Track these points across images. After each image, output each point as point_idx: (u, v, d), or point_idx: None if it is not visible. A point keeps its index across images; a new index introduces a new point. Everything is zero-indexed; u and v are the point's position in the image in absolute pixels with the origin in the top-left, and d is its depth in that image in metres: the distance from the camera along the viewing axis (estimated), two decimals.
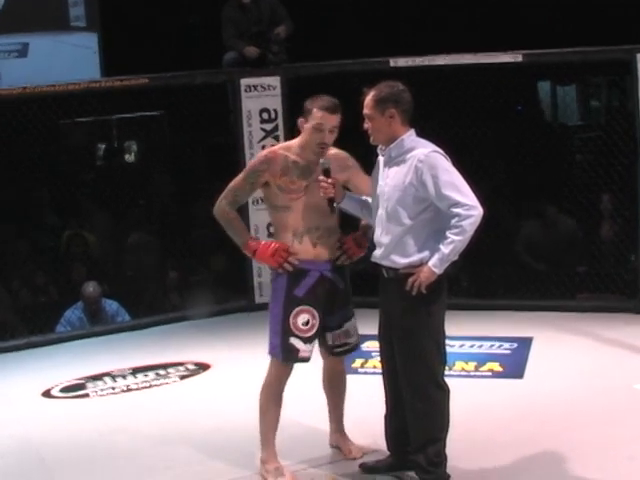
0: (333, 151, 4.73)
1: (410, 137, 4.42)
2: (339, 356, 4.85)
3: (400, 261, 4.38)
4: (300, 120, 4.67)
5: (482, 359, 6.44)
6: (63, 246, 9.26)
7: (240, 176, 4.78)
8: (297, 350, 4.63)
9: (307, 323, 4.63)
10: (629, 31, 8.15)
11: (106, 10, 10.91)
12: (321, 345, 4.80)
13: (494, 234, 7.97)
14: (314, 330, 4.65)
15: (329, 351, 4.81)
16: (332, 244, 4.70)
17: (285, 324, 4.62)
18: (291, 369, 4.72)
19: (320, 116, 4.57)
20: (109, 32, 10.89)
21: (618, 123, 7.71)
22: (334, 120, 4.59)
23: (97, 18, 10.96)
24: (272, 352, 4.70)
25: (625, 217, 7.82)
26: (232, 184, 4.78)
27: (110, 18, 10.86)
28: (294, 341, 4.62)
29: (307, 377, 4.93)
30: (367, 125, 4.44)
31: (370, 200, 4.59)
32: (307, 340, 4.64)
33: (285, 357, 4.66)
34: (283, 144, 4.83)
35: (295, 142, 4.74)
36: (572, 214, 8.46)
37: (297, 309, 4.62)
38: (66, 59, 10.54)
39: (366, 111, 4.44)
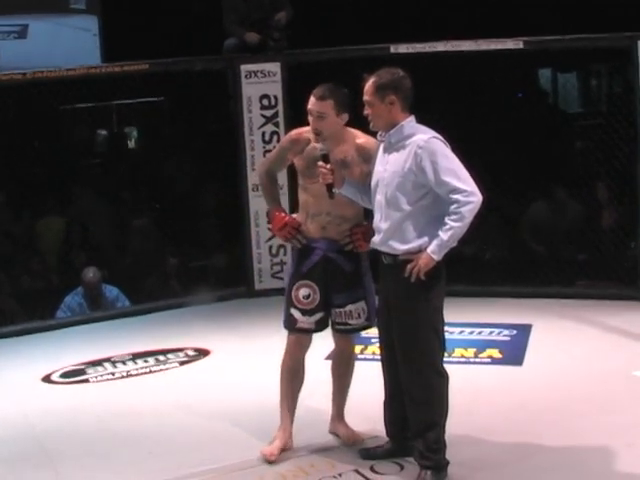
0: (361, 140, 4.74)
1: (410, 123, 4.42)
2: (339, 333, 4.91)
3: (399, 247, 4.38)
4: None
5: (481, 346, 6.45)
6: (62, 232, 9.26)
7: (275, 148, 5.25)
8: (295, 320, 4.82)
9: (308, 297, 4.81)
10: (630, 18, 8.13)
11: None
12: (329, 321, 4.90)
13: (494, 220, 7.98)
14: (314, 304, 4.80)
15: (332, 327, 4.92)
16: (343, 230, 4.78)
17: (289, 295, 4.84)
18: (301, 343, 4.85)
19: (310, 101, 4.67)
20: (109, 15, 10.87)
21: (619, 110, 7.69)
22: (318, 106, 4.63)
23: (97, 1, 10.93)
24: (282, 321, 4.91)
25: (625, 205, 7.81)
26: (270, 154, 5.30)
27: (111, 1, 10.83)
28: (294, 312, 4.82)
29: (311, 364, 4.94)
30: (367, 111, 4.45)
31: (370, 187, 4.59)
32: (306, 312, 4.80)
33: (286, 325, 4.88)
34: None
35: None
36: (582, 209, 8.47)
37: (299, 283, 4.81)
38: (66, 41, 10.52)
39: (366, 97, 4.44)
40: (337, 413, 5.04)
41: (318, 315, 4.82)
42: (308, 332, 4.85)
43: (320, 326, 4.86)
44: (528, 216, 8.69)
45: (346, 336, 4.93)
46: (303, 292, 4.80)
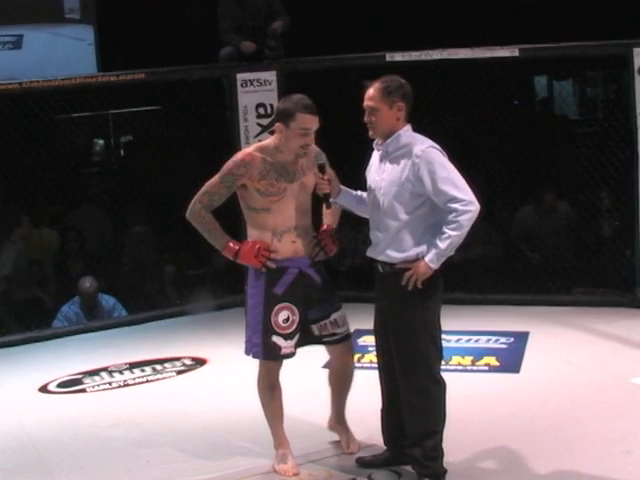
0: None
1: (407, 132, 4.41)
2: (332, 345, 4.83)
3: (396, 256, 4.38)
4: (277, 125, 4.60)
5: (479, 353, 6.45)
6: (59, 241, 9.25)
7: (215, 179, 4.70)
8: (279, 347, 4.65)
9: (287, 320, 4.65)
10: (626, 26, 8.15)
11: (102, 2, 10.90)
12: (308, 338, 4.77)
13: (491, 228, 7.98)
14: (294, 326, 4.67)
15: (318, 341, 4.81)
16: (308, 241, 4.72)
17: (266, 323, 4.64)
18: (279, 364, 4.75)
19: (307, 120, 4.53)
20: (104, 25, 10.88)
21: (615, 118, 7.69)
22: (317, 123, 4.56)
23: (93, 10, 10.94)
24: (253, 351, 4.73)
25: (622, 212, 7.82)
26: (206, 187, 4.71)
27: (106, 11, 10.84)
28: (275, 339, 4.65)
29: (304, 373, 4.92)
30: (369, 118, 4.41)
31: (365, 195, 4.59)
32: (288, 337, 4.66)
33: (267, 355, 4.68)
34: (258, 145, 4.75)
35: (270, 143, 4.69)
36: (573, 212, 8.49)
37: (277, 307, 4.64)
38: (61, 52, 10.52)
39: (370, 103, 4.39)
40: (337, 417, 5.00)
41: (296, 337, 4.70)
42: (290, 357, 4.71)
43: (296, 349, 4.73)
44: (517, 221, 8.74)
45: (340, 346, 4.86)
46: (282, 316, 4.64)
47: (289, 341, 4.66)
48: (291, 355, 4.70)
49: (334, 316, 4.77)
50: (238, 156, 4.68)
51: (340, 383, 4.95)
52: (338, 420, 5.01)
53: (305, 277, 4.69)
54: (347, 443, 4.94)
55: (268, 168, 4.61)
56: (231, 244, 4.71)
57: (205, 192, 4.71)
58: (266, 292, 4.65)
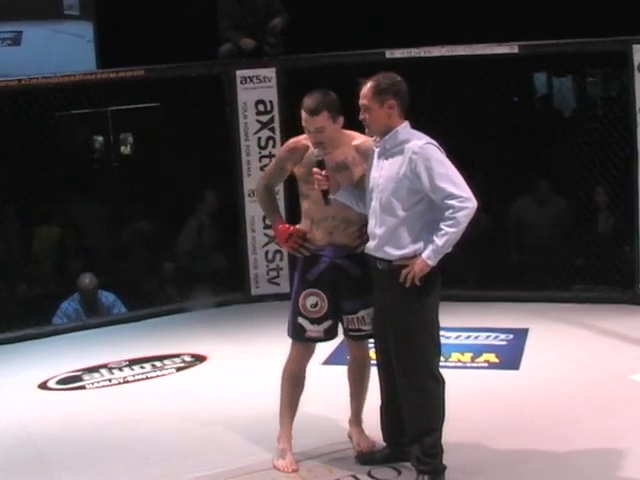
0: (359, 140, 4.69)
1: (404, 129, 4.42)
2: (353, 340, 4.86)
3: (394, 253, 4.38)
4: None
5: (478, 350, 6.45)
6: (59, 238, 9.25)
7: (273, 161, 5.16)
8: (304, 330, 4.76)
9: (315, 305, 4.75)
10: (625, 22, 8.14)
11: None
12: (337, 328, 4.87)
13: (490, 225, 7.97)
14: (322, 312, 4.75)
15: (345, 333, 4.87)
16: (350, 234, 4.74)
17: (295, 304, 4.78)
18: (307, 352, 4.81)
19: (304, 118, 4.60)
20: (104, 21, 10.87)
21: (615, 115, 7.69)
22: (316, 122, 4.56)
23: (92, 7, 10.92)
24: (287, 330, 4.85)
25: (621, 209, 7.81)
26: (267, 168, 5.20)
27: (105, 7, 10.83)
28: (302, 321, 4.76)
29: (308, 370, 4.91)
30: (363, 116, 4.42)
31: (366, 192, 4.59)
32: (314, 321, 4.75)
33: (293, 335, 4.81)
34: None
35: None
36: (568, 205, 8.50)
37: (306, 291, 4.75)
38: (60, 48, 10.51)
39: (364, 102, 4.41)
40: (353, 417, 5.00)
41: (327, 323, 4.77)
42: (317, 341, 4.80)
43: (329, 335, 4.81)
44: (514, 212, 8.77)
45: (360, 342, 4.88)
46: (311, 301, 4.74)
47: (316, 325, 4.75)
48: (319, 339, 4.80)
49: (362, 313, 4.77)
50: (288, 142, 4.90)
51: (353, 377, 4.96)
52: (352, 418, 5.00)
53: (337, 268, 4.73)
54: (357, 443, 4.92)
55: (309, 156, 4.69)
56: (277, 224, 4.91)
57: (265, 173, 5.14)
58: (301, 275, 4.80)
